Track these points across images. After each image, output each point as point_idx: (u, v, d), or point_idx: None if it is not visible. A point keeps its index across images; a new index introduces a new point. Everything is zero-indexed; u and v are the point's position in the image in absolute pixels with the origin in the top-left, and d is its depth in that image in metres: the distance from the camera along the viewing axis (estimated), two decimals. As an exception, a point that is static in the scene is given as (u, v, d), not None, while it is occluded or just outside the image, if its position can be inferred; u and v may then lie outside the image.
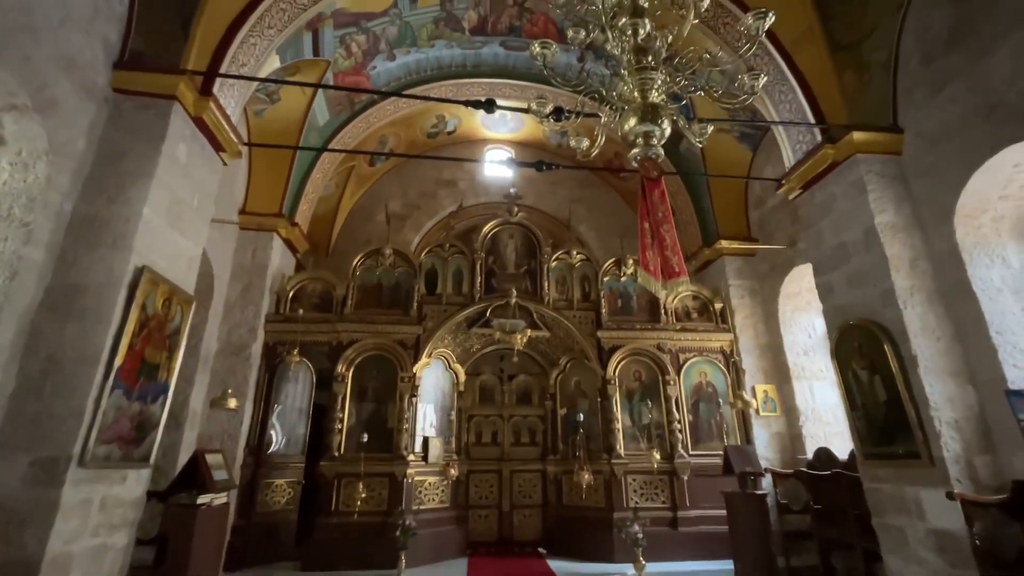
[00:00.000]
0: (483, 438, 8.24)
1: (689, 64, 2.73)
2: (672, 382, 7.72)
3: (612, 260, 8.48)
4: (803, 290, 7.58)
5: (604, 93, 2.78)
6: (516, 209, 8.73)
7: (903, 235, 4.80)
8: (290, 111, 7.61)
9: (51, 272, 3.85)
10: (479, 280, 8.15)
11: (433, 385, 7.85)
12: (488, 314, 7.81)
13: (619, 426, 7.47)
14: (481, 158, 11.00)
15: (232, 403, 6.44)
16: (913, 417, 4.27)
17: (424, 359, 7.56)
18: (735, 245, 8.37)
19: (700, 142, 2.91)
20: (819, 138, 5.40)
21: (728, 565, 6.13)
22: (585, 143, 3.03)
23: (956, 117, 4.48)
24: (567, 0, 2.92)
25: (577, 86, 2.83)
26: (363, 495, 6.67)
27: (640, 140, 2.58)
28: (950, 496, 3.89)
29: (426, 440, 7.41)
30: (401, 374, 7.42)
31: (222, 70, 4.87)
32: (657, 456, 7.21)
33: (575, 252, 8.61)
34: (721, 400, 7.79)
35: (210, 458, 4.94)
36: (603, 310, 8.10)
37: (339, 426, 7.09)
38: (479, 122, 10.49)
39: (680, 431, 7.50)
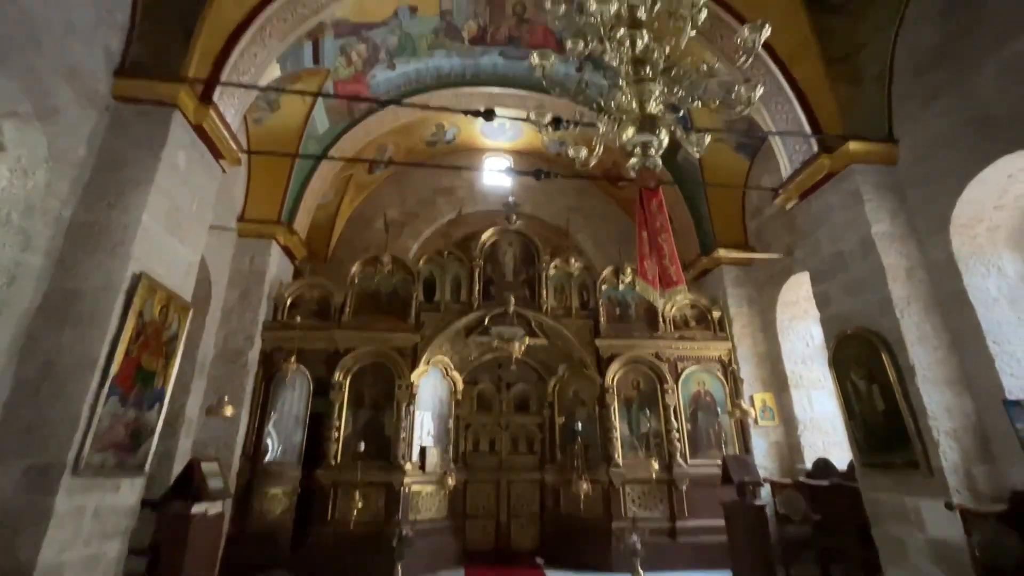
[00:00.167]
0: (481, 446, 8.19)
1: (687, 75, 2.76)
2: (670, 391, 7.70)
3: (610, 268, 8.49)
4: (801, 299, 7.61)
5: (602, 103, 2.80)
6: (514, 217, 8.75)
7: (899, 244, 4.83)
8: (290, 119, 7.64)
9: (49, 278, 3.84)
10: (477, 288, 8.14)
11: (431, 393, 7.81)
12: (486, 322, 7.80)
13: (617, 435, 7.44)
14: (480, 166, 11.05)
15: (228, 411, 6.39)
16: (911, 427, 4.27)
17: (422, 367, 7.53)
18: (733, 254, 8.40)
19: (698, 152, 2.92)
20: (815, 148, 5.44)
21: (727, 576, 6.09)
22: (583, 153, 3.05)
23: (949, 128, 4.53)
24: (566, 12, 2.95)
25: (576, 96, 2.85)
26: (359, 504, 6.60)
27: (638, 150, 2.60)
28: (949, 506, 3.88)
29: (423, 449, 7.36)
30: (399, 382, 7.39)
31: (223, 79, 4.90)
32: (655, 465, 7.17)
33: (573, 260, 8.62)
34: (719, 409, 7.76)
35: (205, 466, 4.91)
36: (601, 318, 8.10)
37: (336, 434, 7.04)
38: (478, 131, 10.55)
39: (678, 440, 7.47)
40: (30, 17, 3.62)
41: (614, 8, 2.67)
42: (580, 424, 7.67)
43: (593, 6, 2.64)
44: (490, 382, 8.58)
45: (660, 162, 2.66)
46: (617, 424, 7.50)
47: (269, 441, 7.14)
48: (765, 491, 6.65)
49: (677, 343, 8.01)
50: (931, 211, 4.70)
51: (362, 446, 6.77)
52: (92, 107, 4.22)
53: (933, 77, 4.70)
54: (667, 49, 2.75)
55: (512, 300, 7.81)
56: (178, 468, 5.67)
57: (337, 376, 7.28)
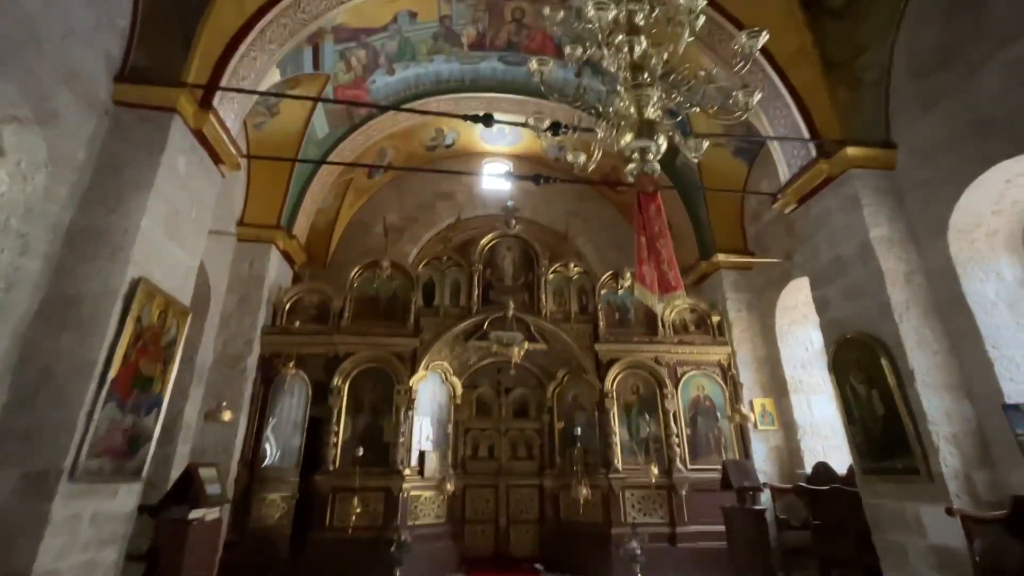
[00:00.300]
0: (480, 452, 8.16)
1: (685, 81, 2.77)
2: (670, 396, 7.68)
3: (609, 273, 8.48)
4: (800, 303, 7.60)
5: (601, 109, 2.81)
6: (514, 222, 8.76)
7: (898, 249, 4.84)
8: (289, 124, 7.66)
9: (47, 283, 3.83)
10: (476, 293, 8.13)
11: (430, 398, 7.79)
12: (485, 327, 7.79)
13: (617, 440, 7.41)
14: (479, 171, 11.06)
15: (227, 416, 6.38)
16: (911, 431, 4.26)
17: (421, 372, 7.51)
18: (732, 258, 8.41)
19: (696, 157, 2.93)
20: (814, 153, 5.46)
21: (727, 582, 6.06)
22: (582, 158, 3.06)
23: (948, 133, 4.55)
24: (564, 17, 2.96)
25: (574, 101, 2.87)
26: (358, 510, 6.58)
27: (636, 155, 2.61)
28: (950, 512, 3.87)
29: (422, 454, 7.33)
30: (397, 387, 7.37)
31: (223, 83, 4.91)
32: (655, 470, 7.14)
33: (572, 265, 8.62)
34: (719, 414, 7.74)
35: (203, 472, 4.88)
36: (600, 323, 8.09)
37: (334, 439, 7.02)
38: (477, 136, 10.58)
39: (678, 445, 7.45)
40: (30, 20, 3.63)
41: (612, 14, 2.69)
42: (579, 429, 7.65)
43: (592, 12, 2.65)
44: (489, 387, 8.55)
45: (658, 167, 2.67)
46: (616, 429, 7.48)
47: (267, 446, 7.11)
48: (765, 496, 6.62)
49: (676, 348, 8.00)
50: (929, 215, 4.71)
51: (361, 451, 6.75)
52: (92, 111, 4.22)
53: (932, 81, 4.71)
54: (665, 55, 2.77)
55: (511, 305, 7.80)
56: (176, 473, 5.63)
57: (336, 381, 7.26)
